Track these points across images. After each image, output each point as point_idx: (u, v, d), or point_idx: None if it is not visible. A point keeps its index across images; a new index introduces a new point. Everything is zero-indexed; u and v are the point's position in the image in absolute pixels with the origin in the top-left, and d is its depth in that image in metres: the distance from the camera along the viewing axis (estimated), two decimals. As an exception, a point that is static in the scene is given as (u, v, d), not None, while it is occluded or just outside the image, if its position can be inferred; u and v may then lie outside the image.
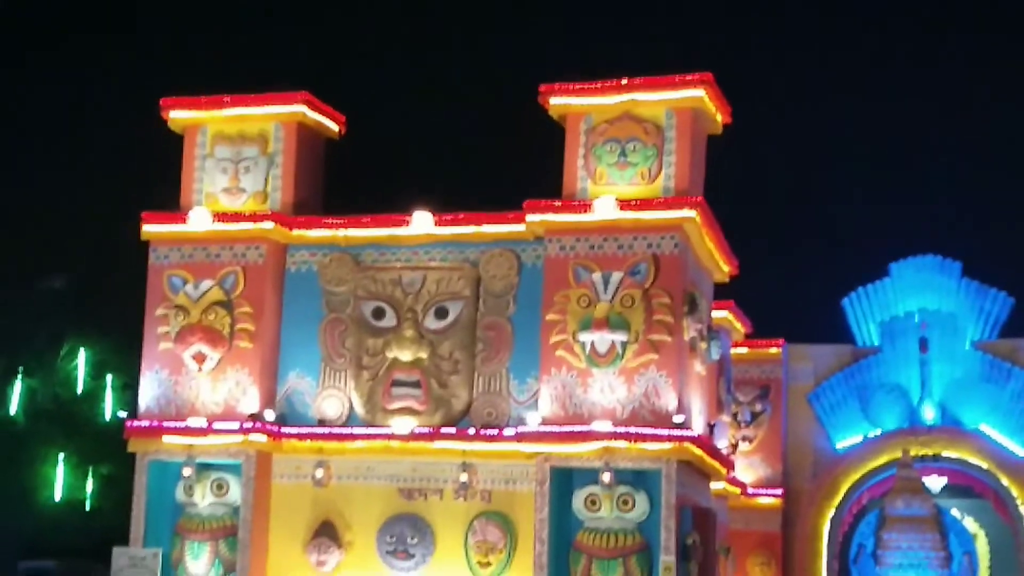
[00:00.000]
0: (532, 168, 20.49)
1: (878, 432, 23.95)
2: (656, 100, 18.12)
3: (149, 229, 19.35)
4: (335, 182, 20.51)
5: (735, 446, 23.58)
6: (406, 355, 18.34)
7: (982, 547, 26.06)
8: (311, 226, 19.13)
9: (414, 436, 18.10)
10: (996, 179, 30.31)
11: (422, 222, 18.74)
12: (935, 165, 31.30)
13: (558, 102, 18.46)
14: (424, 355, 18.33)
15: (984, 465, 23.36)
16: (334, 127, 20.26)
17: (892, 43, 32.45)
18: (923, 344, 23.83)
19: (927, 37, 32.32)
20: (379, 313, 18.67)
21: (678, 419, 17.13)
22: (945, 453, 23.56)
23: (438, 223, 18.73)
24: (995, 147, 30.63)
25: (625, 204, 17.73)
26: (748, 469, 24.77)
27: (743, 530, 24.20)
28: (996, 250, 27.81)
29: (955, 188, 31.00)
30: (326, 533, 18.37)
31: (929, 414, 23.70)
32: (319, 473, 18.36)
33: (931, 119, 31.38)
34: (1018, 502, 23.12)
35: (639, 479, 17.14)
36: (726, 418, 22.46)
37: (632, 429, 17.06)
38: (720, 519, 20.76)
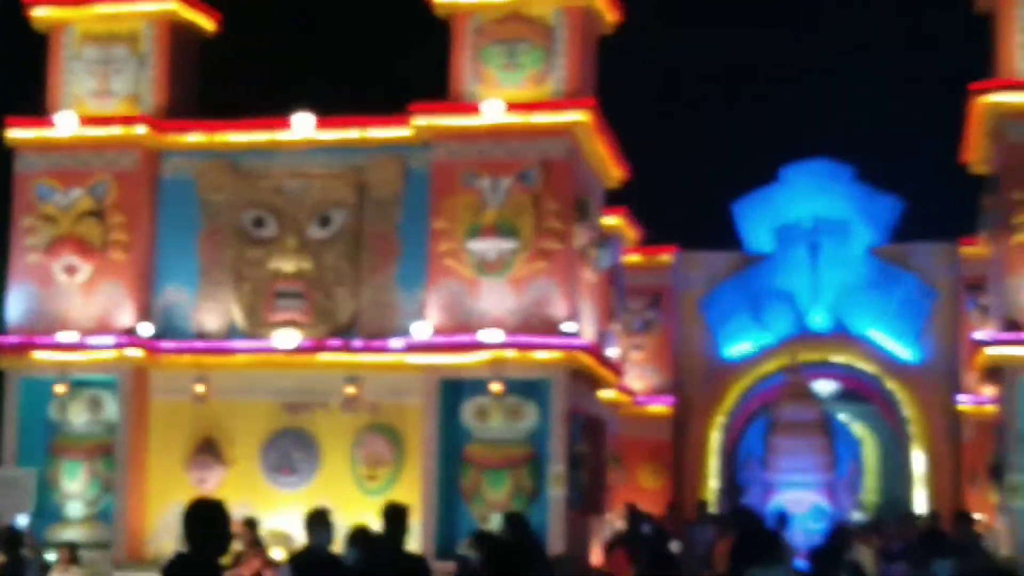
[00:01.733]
0: (419, 71, 19.79)
1: (768, 339, 23.96)
2: (545, -1, 17.53)
3: (13, 135, 18.41)
4: (211, 84, 19.63)
5: (624, 354, 23.42)
6: (288, 265, 17.72)
7: (870, 450, 26.46)
8: (185, 130, 18.29)
9: (298, 349, 17.55)
10: (886, 81, 30.34)
11: (303, 125, 18.00)
12: (826, 68, 31.17)
13: (444, 0, 17.76)
14: (307, 265, 17.73)
15: (871, 370, 23.54)
16: (209, 25, 19.35)
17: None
18: (814, 250, 23.81)
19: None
20: (259, 222, 17.97)
21: (568, 327, 16.83)
22: (833, 359, 23.68)
23: (320, 126, 18.02)
24: (885, 50, 30.60)
25: (514, 107, 17.21)
26: (639, 377, 24.65)
27: (634, 438, 24.10)
28: (887, 154, 27.84)
29: (847, 91, 30.97)
30: (207, 450, 17.83)
31: (819, 320, 23.77)
32: (199, 388, 17.74)
33: (823, 14, 31.15)
34: (903, 406, 23.41)
35: (529, 389, 16.86)
36: (617, 326, 22.26)
37: (521, 338, 16.73)
38: (610, 428, 20.65)
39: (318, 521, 9.21)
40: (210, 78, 19.58)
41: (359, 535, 9.37)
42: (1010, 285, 16.39)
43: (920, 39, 30.07)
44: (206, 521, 6.85)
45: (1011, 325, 16.28)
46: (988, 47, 17.42)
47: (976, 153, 17.97)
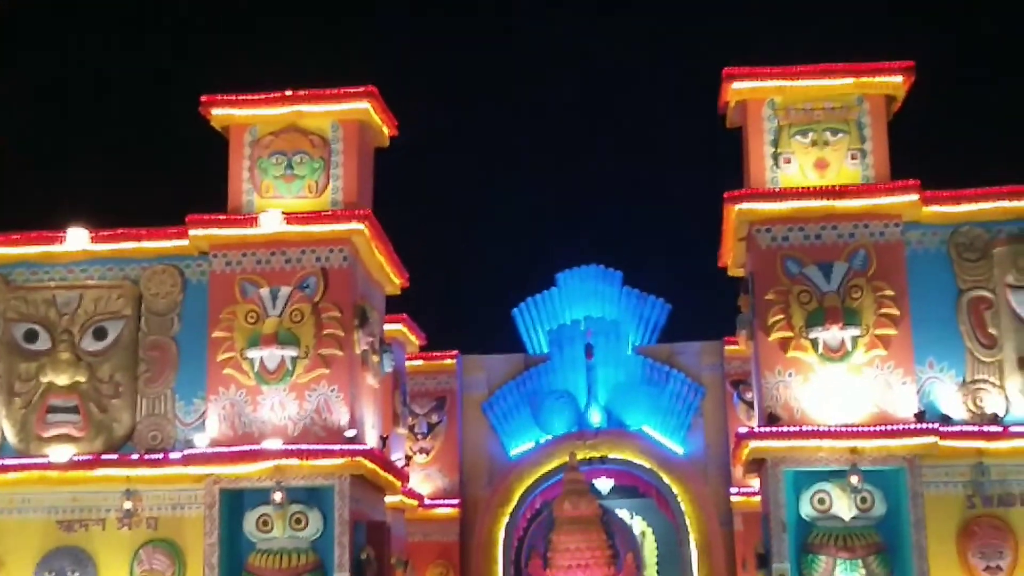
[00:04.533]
0: (196, 181, 19.90)
1: (549, 437, 24.62)
2: (321, 112, 17.98)
3: None
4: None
5: (410, 458, 23.68)
6: (62, 379, 17.40)
7: (649, 544, 27.28)
8: (-47, 244, 17.84)
9: (73, 464, 17.16)
10: (651, 192, 31.92)
11: (77, 239, 17.82)
12: (598, 178, 32.61)
13: (221, 113, 18.01)
14: (82, 378, 17.44)
15: (647, 465, 24.42)
16: (-22, 138, 19.02)
17: (545, 53, 33.56)
18: (588, 350, 24.70)
19: (581, 48, 33.66)
20: (31, 336, 17.63)
21: (350, 434, 17.01)
22: (611, 455, 24.48)
23: (95, 239, 17.88)
24: (647, 161, 32.25)
25: (292, 217, 17.48)
26: (426, 480, 24.95)
27: (422, 541, 24.32)
28: (654, 260, 29.22)
29: (615, 200, 32.41)
30: (-24, 572, 17.14)
31: (595, 417, 24.59)
32: (-33, 509, 17.11)
33: (591, 131, 32.68)
34: (679, 499, 24.32)
35: (312, 496, 16.90)
36: (402, 430, 22.53)
37: (303, 446, 16.81)
38: (397, 532, 20.77)
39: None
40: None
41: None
42: (768, 381, 17.39)
43: (682, 150, 31.84)
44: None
45: (770, 419, 17.24)
46: (740, 158, 18.69)
47: (732, 257, 19.13)
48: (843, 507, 16.84)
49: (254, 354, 17.08)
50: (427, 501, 24.34)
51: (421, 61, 31.83)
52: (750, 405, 21.71)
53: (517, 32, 34.07)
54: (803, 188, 17.67)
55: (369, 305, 18.13)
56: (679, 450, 24.76)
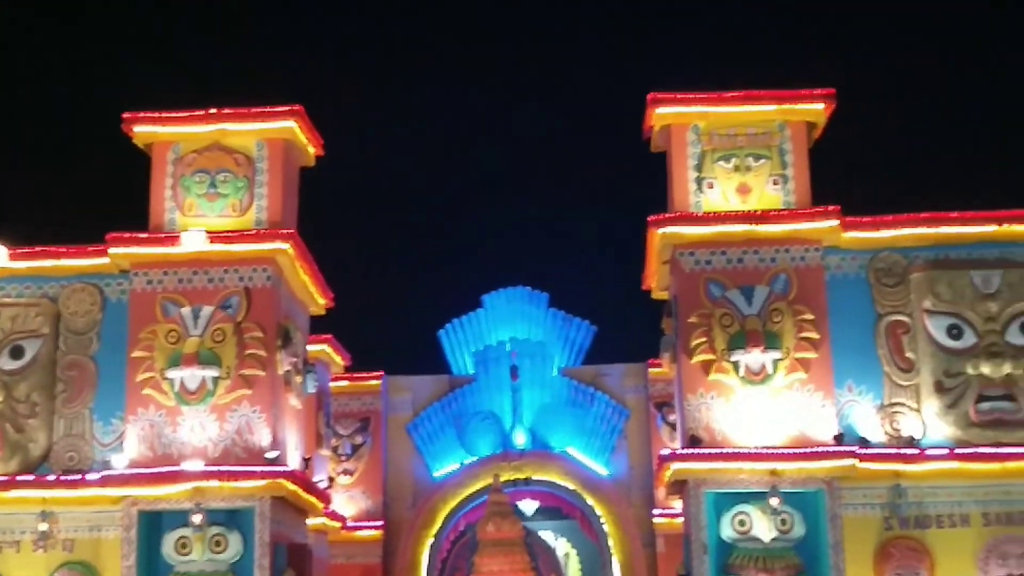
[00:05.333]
0: (119, 199, 19.66)
1: (474, 459, 24.57)
2: (247, 131, 17.89)
3: None
4: None
5: (333, 480, 23.50)
6: (-24, 399, 17.06)
7: (574, 566, 27.30)
8: None
9: (-14, 485, 16.83)
10: (578, 214, 32.14)
11: (-6, 256, 17.52)
12: (525, 200, 32.75)
13: (143, 131, 17.84)
14: (-2, 398, 17.14)
15: (571, 486, 24.46)
16: None
17: (470, 73, 33.74)
18: (514, 372, 24.71)
19: (506, 73, 33.88)
20: (-54, 354, 17.28)
21: (271, 455, 16.86)
22: (536, 476, 24.46)
23: (13, 257, 17.61)
24: (574, 184, 32.49)
25: (216, 236, 17.34)
26: (349, 502, 24.79)
27: (345, 564, 24.14)
28: (580, 282, 29.39)
29: (542, 222, 32.58)
30: None
31: (520, 439, 24.59)
32: None
33: (518, 154, 32.84)
34: (602, 520, 24.38)
35: (232, 518, 16.72)
36: (325, 452, 22.37)
37: (223, 467, 16.62)
38: (319, 554, 20.59)
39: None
40: None
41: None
42: (690, 403, 17.52)
43: (608, 174, 32.10)
44: None
45: (692, 441, 17.37)
46: (664, 182, 18.86)
47: (656, 280, 19.28)
48: (763, 529, 16.99)
49: (174, 374, 16.90)
50: (350, 523, 24.16)
51: (349, 81, 31.82)
52: (673, 427, 21.85)
53: (442, 51, 34.24)
54: (725, 213, 17.87)
55: (293, 325, 18.01)
56: (603, 472, 24.84)
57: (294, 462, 18.05)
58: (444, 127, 33.70)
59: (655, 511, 24.21)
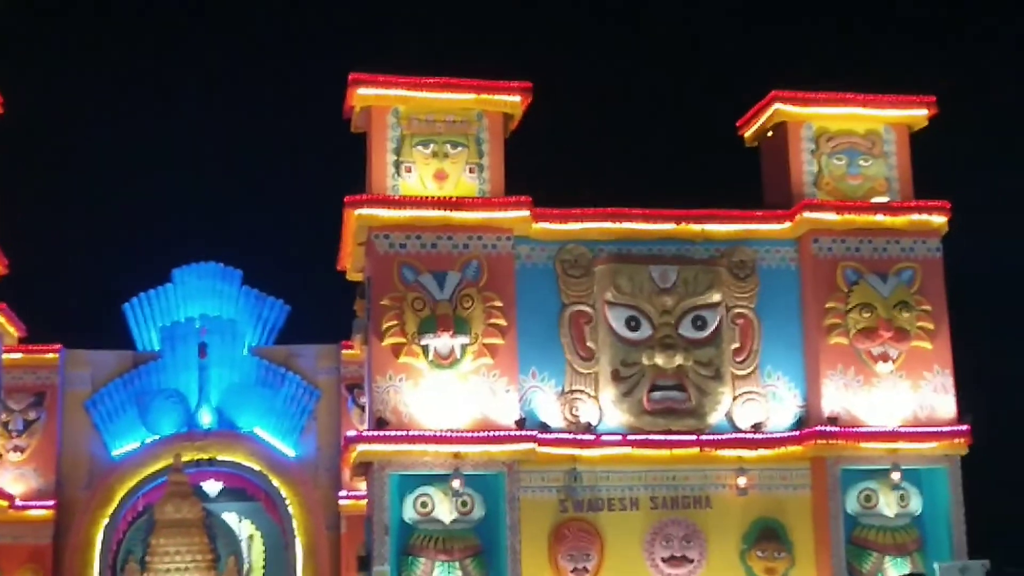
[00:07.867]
0: None
1: (156, 438, 23.82)
2: None
3: None
4: None
5: (1, 456, 22.32)
6: None
7: (258, 547, 26.87)
8: None
9: None
10: (275, 192, 31.67)
11: None
12: (221, 174, 31.96)
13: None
14: None
15: (257, 467, 24.08)
16: None
17: (174, 45, 32.65)
18: (202, 349, 24.10)
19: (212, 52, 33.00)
20: None
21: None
22: (221, 457, 23.95)
23: None
24: (271, 161, 31.94)
25: None
26: (19, 480, 23.59)
27: (11, 544, 23.02)
28: (274, 260, 28.94)
29: (238, 198, 31.85)
30: None
31: (206, 419, 24.01)
32: None
33: (221, 128, 31.99)
34: (287, 502, 24.11)
35: None
36: (-7, 427, 21.20)
37: None
38: (-18, 535, 19.47)
39: None
40: None
41: None
42: (379, 385, 17.57)
43: (306, 152, 31.77)
44: None
45: (379, 423, 17.43)
46: (363, 163, 18.82)
47: (352, 261, 19.22)
48: (444, 510, 17.26)
49: None
50: (19, 502, 23.04)
51: (34, 38, 30.14)
52: (364, 409, 21.87)
53: (149, 25, 32.96)
54: (422, 198, 18.01)
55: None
56: (291, 453, 24.61)
57: (-44, 437, 16.98)
58: (143, 90, 32.47)
59: (341, 493, 24.18)
